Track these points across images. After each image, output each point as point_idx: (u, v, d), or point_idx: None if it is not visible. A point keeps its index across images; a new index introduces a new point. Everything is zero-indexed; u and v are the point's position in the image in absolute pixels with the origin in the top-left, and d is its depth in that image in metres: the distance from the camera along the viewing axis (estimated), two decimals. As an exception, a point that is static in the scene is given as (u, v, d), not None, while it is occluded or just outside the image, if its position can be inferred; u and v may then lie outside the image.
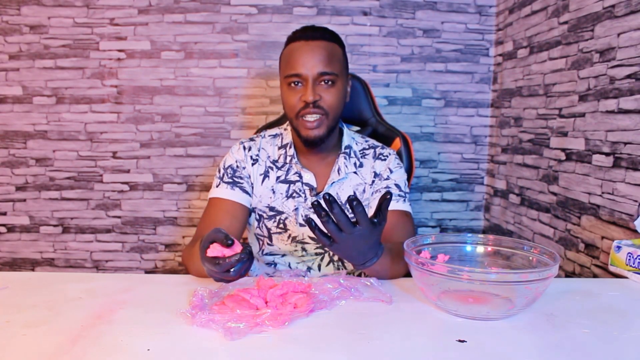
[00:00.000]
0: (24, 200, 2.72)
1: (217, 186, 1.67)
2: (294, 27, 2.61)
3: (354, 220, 1.17)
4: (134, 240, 2.78)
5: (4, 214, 2.74)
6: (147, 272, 2.80)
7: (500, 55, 2.67)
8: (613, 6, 1.79)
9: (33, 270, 2.77)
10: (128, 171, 2.72)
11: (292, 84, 1.58)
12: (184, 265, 1.52)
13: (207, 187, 2.74)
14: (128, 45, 2.65)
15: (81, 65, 2.64)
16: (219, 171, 1.70)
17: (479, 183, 2.85)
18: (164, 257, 2.79)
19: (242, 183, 1.66)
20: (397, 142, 2.02)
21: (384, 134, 2.05)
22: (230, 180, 1.66)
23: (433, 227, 2.86)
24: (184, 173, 2.74)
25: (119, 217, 2.76)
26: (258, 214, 1.70)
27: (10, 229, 2.75)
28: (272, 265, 1.73)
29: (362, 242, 1.21)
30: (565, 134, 2.07)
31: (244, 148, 1.72)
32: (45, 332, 1.00)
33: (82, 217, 2.75)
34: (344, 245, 1.20)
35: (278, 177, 1.69)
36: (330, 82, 1.57)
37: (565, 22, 2.07)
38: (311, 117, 1.57)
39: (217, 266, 1.12)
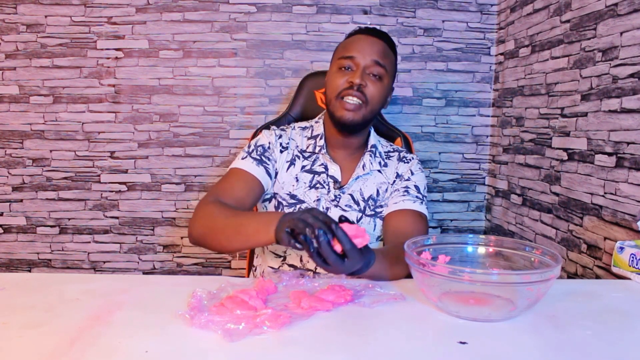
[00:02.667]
0: (21, 200, 2.72)
1: (242, 158, 1.69)
2: (293, 26, 2.64)
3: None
4: (132, 241, 2.78)
5: (1, 214, 2.73)
6: (145, 273, 2.80)
7: (501, 54, 2.67)
8: (616, 4, 1.79)
9: (30, 271, 2.77)
10: (126, 171, 2.72)
11: (344, 65, 1.64)
12: (199, 218, 1.51)
13: (206, 188, 2.74)
14: (126, 44, 2.65)
15: (78, 65, 2.65)
16: (249, 147, 1.73)
17: (480, 183, 2.85)
18: (162, 258, 2.79)
19: (267, 164, 1.69)
20: (398, 142, 2.02)
21: (385, 134, 2.05)
22: (258, 157, 1.69)
23: (434, 227, 2.86)
24: (183, 173, 2.74)
25: (117, 217, 2.76)
26: (278, 200, 1.72)
27: (7, 229, 2.75)
28: (282, 258, 1.73)
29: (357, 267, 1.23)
30: (567, 134, 2.07)
31: (276, 135, 1.76)
32: (42, 334, 1.00)
33: (79, 217, 2.75)
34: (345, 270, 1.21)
35: (304, 167, 1.73)
36: (378, 76, 1.63)
37: (568, 21, 2.07)
38: (351, 100, 1.61)
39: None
